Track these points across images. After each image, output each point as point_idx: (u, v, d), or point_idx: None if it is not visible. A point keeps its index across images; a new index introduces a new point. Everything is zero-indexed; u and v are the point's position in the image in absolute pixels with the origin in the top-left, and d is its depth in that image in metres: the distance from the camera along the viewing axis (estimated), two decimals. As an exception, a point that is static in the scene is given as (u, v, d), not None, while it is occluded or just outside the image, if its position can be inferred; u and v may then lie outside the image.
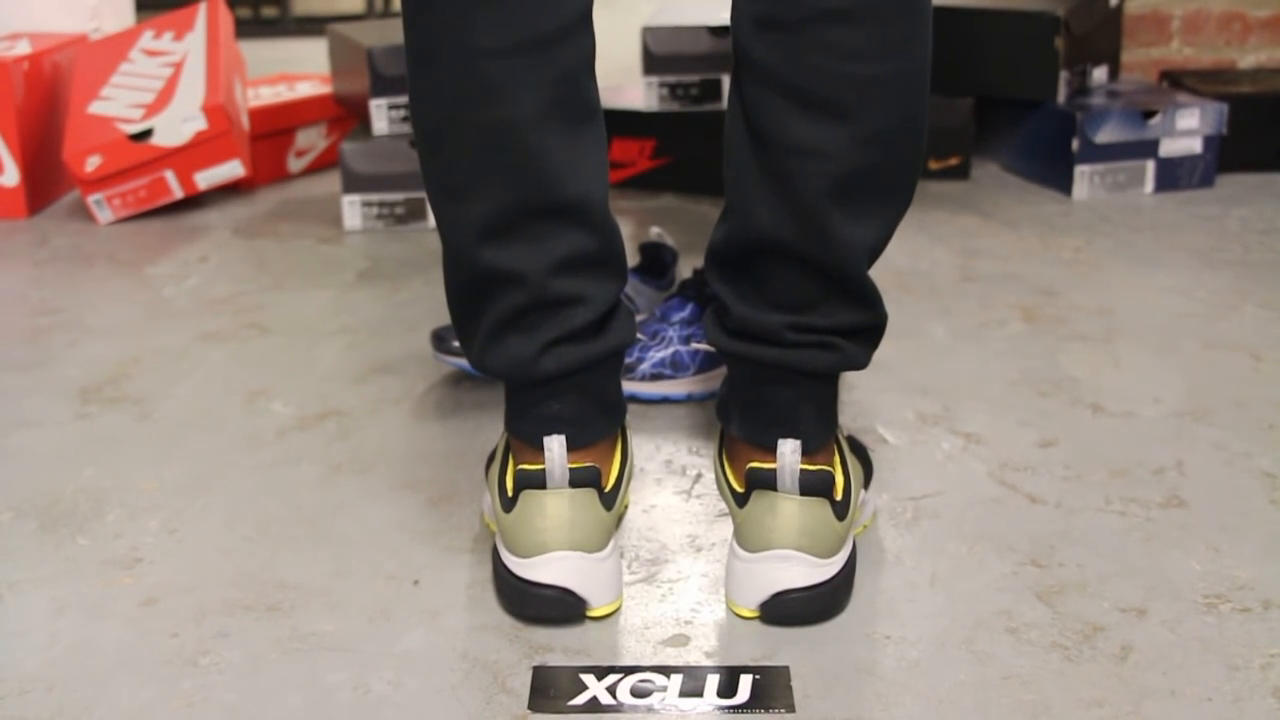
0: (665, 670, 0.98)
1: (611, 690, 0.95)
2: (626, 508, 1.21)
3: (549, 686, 0.96)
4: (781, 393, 1.07)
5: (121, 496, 1.26)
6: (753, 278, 1.06)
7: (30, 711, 0.94)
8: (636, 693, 0.95)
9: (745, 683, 0.96)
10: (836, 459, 1.10)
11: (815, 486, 1.01)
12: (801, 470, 1.01)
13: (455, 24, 0.96)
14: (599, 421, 1.08)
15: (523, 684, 0.96)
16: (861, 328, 1.06)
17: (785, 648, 1.00)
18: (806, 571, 1.01)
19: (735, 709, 0.94)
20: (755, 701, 0.94)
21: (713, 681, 0.96)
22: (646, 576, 1.11)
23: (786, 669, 0.97)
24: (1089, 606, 1.05)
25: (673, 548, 1.15)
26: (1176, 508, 1.20)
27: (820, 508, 1.02)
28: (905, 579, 1.09)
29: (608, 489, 1.06)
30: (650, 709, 0.94)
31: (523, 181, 0.99)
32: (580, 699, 0.95)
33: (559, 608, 1.02)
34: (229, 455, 1.34)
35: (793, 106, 0.99)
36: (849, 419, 1.38)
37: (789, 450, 1.01)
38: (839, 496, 1.05)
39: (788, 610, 1.02)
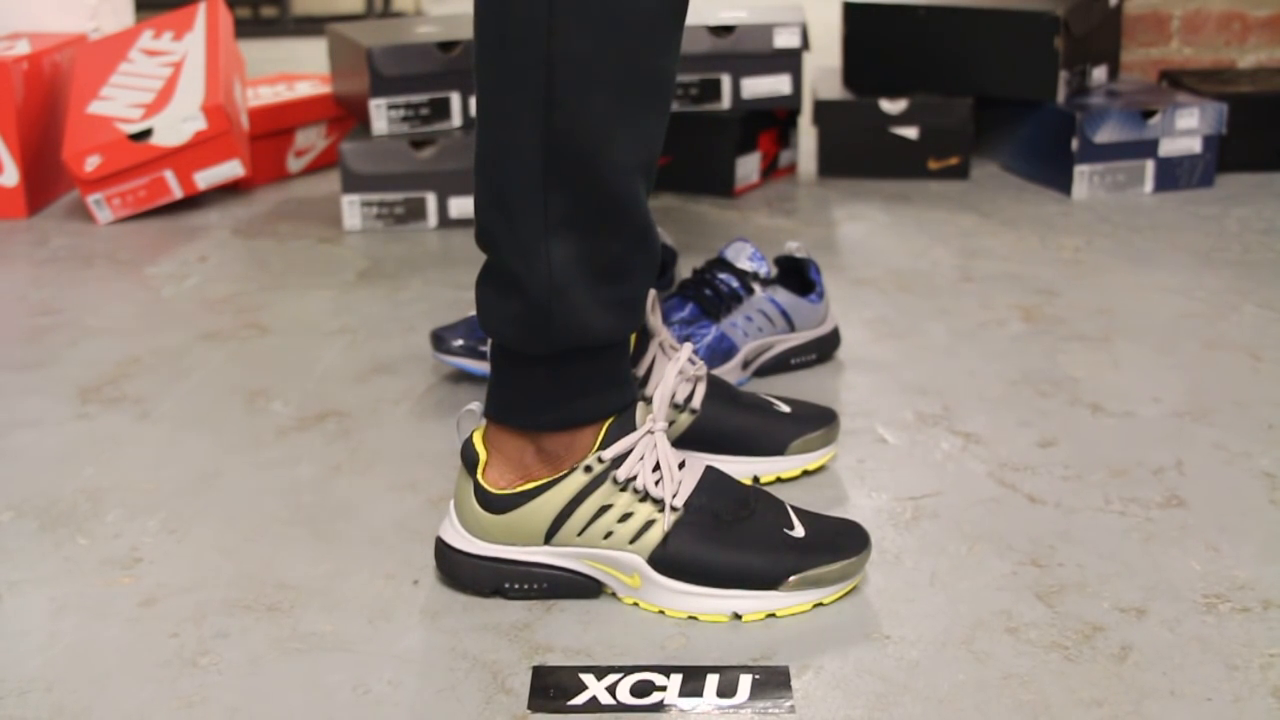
0: (665, 670, 0.98)
1: (611, 690, 0.96)
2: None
3: (549, 686, 0.96)
4: None
5: (121, 496, 1.26)
6: None
7: (30, 711, 0.94)
8: (636, 693, 0.95)
9: (745, 683, 0.96)
10: (549, 467, 1.06)
11: (462, 453, 1.08)
12: (469, 437, 1.08)
13: None
14: None
15: (522, 684, 0.96)
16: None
17: (785, 648, 1.00)
18: (447, 526, 1.09)
19: (735, 709, 0.94)
20: (755, 701, 0.94)
21: (713, 681, 0.96)
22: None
23: (786, 669, 0.97)
24: (1089, 606, 1.05)
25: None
26: (1176, 508, 1.20)
27: (462, 476, 1.08)
28: (905, 579, 1.09)
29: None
30: (650, 709, 0.94)
31: None
32: (580, 699, 0.95)
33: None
34: (229, 455, 1.34)
35: None
36: (848, 419, 1.38)
37: (462, 410, 1.11)
38: (486, 484, 1.06)
39: (436, 547, 1.10)
